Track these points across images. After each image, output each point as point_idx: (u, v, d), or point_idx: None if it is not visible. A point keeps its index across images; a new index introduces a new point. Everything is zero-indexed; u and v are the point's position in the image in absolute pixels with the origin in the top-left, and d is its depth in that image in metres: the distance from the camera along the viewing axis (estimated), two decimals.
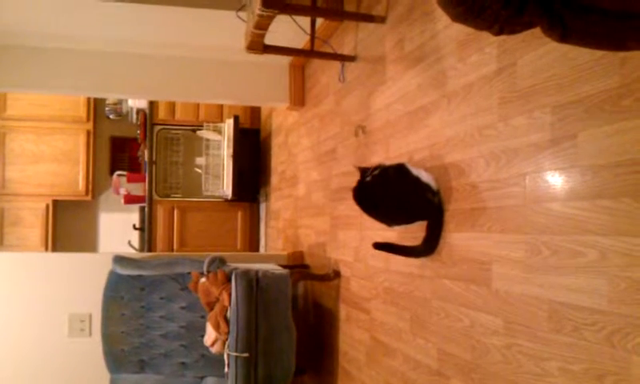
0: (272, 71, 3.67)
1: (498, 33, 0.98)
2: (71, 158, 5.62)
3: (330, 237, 3.00)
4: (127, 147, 6.10)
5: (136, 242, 5.51)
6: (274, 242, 4.53)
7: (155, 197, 5.02)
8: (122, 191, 5.38)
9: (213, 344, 2.68)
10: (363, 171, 2.05)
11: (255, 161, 5.15)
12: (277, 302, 2.69)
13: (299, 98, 3.66)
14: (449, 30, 1.83)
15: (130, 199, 5.33)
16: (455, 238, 1.76)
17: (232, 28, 2.78)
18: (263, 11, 2.14)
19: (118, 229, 5.93)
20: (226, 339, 2.62)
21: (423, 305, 1.96)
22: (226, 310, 2.63)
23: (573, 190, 1.27)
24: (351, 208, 2.61)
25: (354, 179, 2.05)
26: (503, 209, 1.52)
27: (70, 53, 3.33)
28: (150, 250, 4.90)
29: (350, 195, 2.06)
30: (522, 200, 1.45)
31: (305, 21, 2.73)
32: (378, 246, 2.02)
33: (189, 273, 2.91)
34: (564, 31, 0.91)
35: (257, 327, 2.62)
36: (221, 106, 5.30)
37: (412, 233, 1.95)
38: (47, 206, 5.49)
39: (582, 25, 0.89)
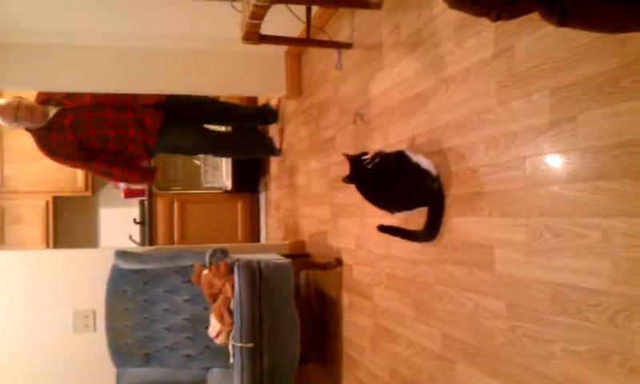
0: (268, 61, 3.65)
1: (496, 19, 0.98)
2: None
3: (330, 225, 3.01)
4: None
5: (137, 236, 5.51)
6: (275, 231, 4.54)
7: (155, 190, 5.01)
8: (122, 185, 5.37)
9: (217, 335, 2.69)
10: (353, 159, 2.05)
11: None
12: (280, 292, 2.70)
13: (296, 87, 3.64)
14: (445, 15, 1.82)
15: (129, 193, 5.33)
16: (456, 222, 1.77)
17: (227, 19, 2.77)
18: (259, 1, 2.13)
19: (118, 223, 5.92)
20: (231, 330, 2.63)
21: (426, 290, 1.97)
22: (230, 302, 2.64)
23: (573, 172, 1.27)
24: (351, 196, 2.62)
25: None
26: (504, 192, 1.53)
27: (65, 49, 3.31)
28: (151, 244, 4.90)
29: (349, 183, 2.07)
30: (522, 183, 1.45)
31: (300, 9, 2.71)
32: (383, 228, 2.04)
33: (191, 265, 2.92)
34: (563, 15, 0.91)
35: (260, 317, 2.63)
36: (217, 97, 5.28)
37: (414, 219, 1.96)
38: (47, 203, 5.48)
39: (580, 8, 0.89)
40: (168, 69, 3.49)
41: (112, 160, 3.49)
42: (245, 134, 4.29)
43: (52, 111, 3.31)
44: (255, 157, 4.81)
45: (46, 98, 3.38)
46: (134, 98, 3.54)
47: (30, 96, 3.45)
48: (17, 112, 3.13)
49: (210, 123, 4.05)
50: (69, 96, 3.38)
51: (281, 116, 4.19)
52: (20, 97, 3.24)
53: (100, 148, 3.44)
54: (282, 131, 4.14)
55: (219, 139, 3.96)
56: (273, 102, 4.28)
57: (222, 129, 4.52)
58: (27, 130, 3.30)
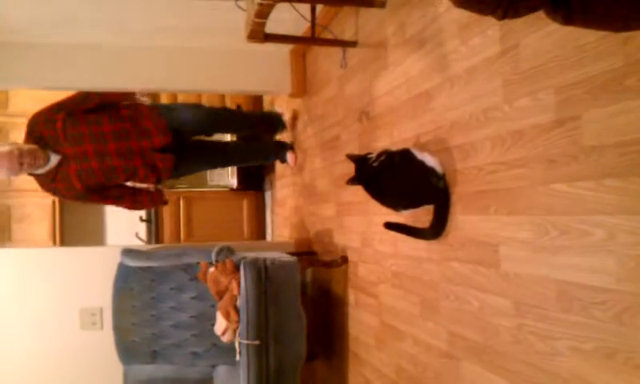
0: (273, 59, 3.65)
1: (502, 17, 0.98)
2: None
3: (336, 223, 3.02)
4: None
5: (143, 234, 5.53)
6: (280, 229, 4.55)
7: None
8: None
9: (224, 333, 2.70)
10: (357, 160, 2.06)
11: None
12: (286, 290, 2.71)
13: (301, 85, 3.65)
14: (450, 14, 1.82)
15: None
16: (462, 220, 1.77)
17: (232, 17, 2.78)
18: (264, 0, 2.14)
19: (124, 221, 5.93)
20: (237, 328, 2.64)
21: (432, 288, 1.97)
22: (236, 299, 2.65)
23: (578, 171, 1.27)
24: (356, 194, 2.62)
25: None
26: (509, 190, 1.53)
27: (69, 47, 3.32)
28: (157, 242, 4.92)
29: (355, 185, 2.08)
30: (528, 181, 1.45)
31: (305, 7, 2.72)
32: (389, 225, 2.04)
33: (197, 263, 2.93)
34: (567, 13, 0.91)
35: (267, 315, 2.64)
36: (223, 96, 5.29)
37: (420, 217, 1.96)
38: (53, 202, 5.49)
39: (585, 7, 0.90)
40: (173, 67, 3.50)
41: (121, 195, 3.34)
42: (252, 145, 4.17)
43: (52, 158, 3.00)
44: (266, 163, 4.82)
45: (36, 137, 3.02)
46: (139, 140, 3.21)
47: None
48: (21, 159, 2.86)
49: (218, 133, 3.92)
50: (66, 142, 3.02)
51: (288, 122, 4.05)
52: (14, 143, 2.98)
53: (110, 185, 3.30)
54: (294, 157, 3.90)
55: (229, 156, 3.83)
56: (279, 110, 4.07)
57: (228, 137, 4.49)
58: (30, 174, 3.07)
